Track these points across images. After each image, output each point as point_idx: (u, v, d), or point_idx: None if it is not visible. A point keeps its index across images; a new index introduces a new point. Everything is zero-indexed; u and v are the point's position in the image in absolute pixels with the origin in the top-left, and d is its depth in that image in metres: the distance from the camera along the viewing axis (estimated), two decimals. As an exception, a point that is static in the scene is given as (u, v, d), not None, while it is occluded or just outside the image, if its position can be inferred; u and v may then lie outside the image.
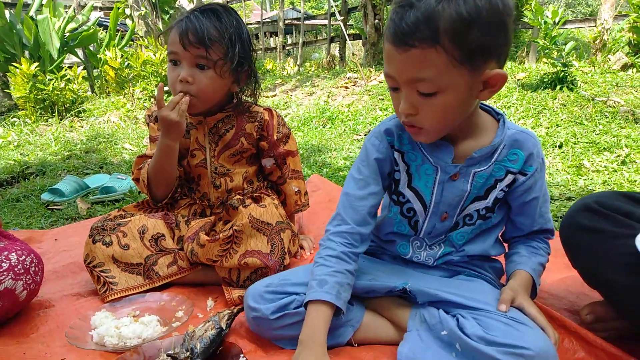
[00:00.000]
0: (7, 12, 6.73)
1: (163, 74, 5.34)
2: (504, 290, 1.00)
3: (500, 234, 1.15)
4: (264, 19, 11.71)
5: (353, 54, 6.20)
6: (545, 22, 3.56)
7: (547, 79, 3.62)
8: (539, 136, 2.82)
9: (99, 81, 7.00)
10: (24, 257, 1.15)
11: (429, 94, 0.87)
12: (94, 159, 2.98)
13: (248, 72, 1.42)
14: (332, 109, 4.06)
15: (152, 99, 5.39)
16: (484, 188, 1.04)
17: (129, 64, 5.67)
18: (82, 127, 4.19)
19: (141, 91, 5.43)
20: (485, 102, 1.04)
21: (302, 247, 1.61)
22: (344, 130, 3.51)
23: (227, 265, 1.29)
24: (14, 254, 1.14)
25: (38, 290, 1.22)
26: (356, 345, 1.07)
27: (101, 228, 1.38)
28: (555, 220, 1.78)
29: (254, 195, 1.51)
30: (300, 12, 16.07)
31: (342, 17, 6.42)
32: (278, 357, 1.04)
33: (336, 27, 7.67)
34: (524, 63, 4.65)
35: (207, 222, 1.43)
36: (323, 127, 3.69)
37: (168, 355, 0.99)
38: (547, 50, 3.60)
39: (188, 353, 1.00)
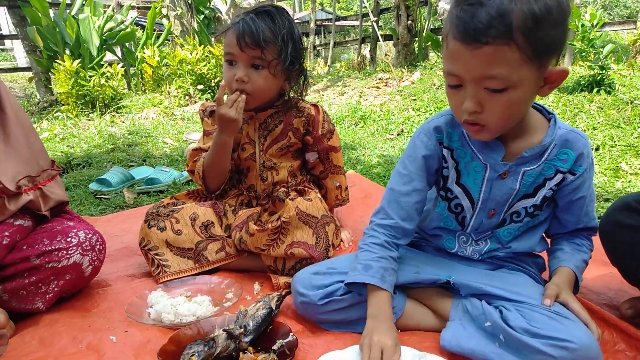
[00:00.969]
0: (51, 12, 7.02)
1: (199, 72, 5.49)
2: (548, 286, 1.02)
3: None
4: (294, 20, 11.80)
5: (386, 55, 6.23)
6: (582, 25, 3.53)
7: (583, 82, 3.58)
8: (575, 139, 2.81)
9: (135, 78, 7.22)
10: (90, 235, 1.25)
11: (498, 91, 0.87)
12: (136, 152, 3.11)
13: (299, 71, 1.49)
14: (364, 109, 4.11)
15: (187, 97, 5.55)
16: (533, 186, 1.06)
17: (166, 62, 5.84)
18: (123, 122, 4.35)
19: (176, 89, 5.59)
20: (535, 101, 1.06)
21: (341, 240, 1.67)
22: (376, 129, 3.56)
23: (274, 254, 1.36)
24: (82, 231, 1.23)
25: (100, 268, 1.31)
26: (399, 331, 1.12)
27: (156, 214, 1.47)
28: (593, 221, 1.78)
29: (298, 189, 1.57)
30: (329, 13, 16.16)
31: (375, 18, 6.45)
32: (324, 337, 1.10)
33: (365, 28, 7.70)
34: (560, 65, 4.59)
35: (254, 212, 1.50)
36: (355, 126, 3.74)
37: (224, 330, 1.06)
38: (584, 53, 3.56)
39: (242, 329, 1.07)
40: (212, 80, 5.61)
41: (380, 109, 4.03)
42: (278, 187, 1.55)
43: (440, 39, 1.03)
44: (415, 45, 6.11)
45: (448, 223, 1.16)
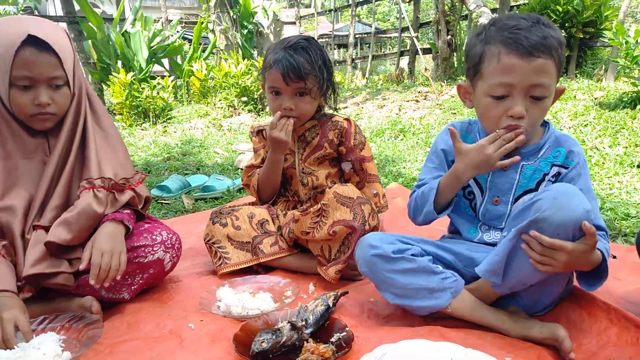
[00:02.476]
0: (105, 26, 7.46)
1: (243, 85, 5.73)
2: None
3: None
4: (330, 31, 12.06)
5: (425, 69, 6.32)
6: (626, 42, 3.54)
7: (626, 99, 3.58)
8: (617, 155, 2.84)
9: (181, 90, 7.57)
10: (171, 235, 1.42)
11: (541, 98, 1.12)
12: (191, 161, 3.33)
13: (331, 88, 1.70)
14: (404, 122, 4.22)
15: (231, 108, 5.80)
16: (535, 181, 1.23)
17: (212, 75, 6.13)
18: (175, 132, 4.61)
19: (220, 100, 5.86)
20: None
21: (378, 221, 1.78)
22: (416, 142, 3.66)
23: (318, 237, 1.50)
24: (164, 231, 1.41)
25: (176, 264, 1.48)
26: (449, 310, 1.20)
27: (219, 212, 1.67)
28: (632, 236, 1.84)
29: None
30: (366, 25, 16.36)
31: (415, 34, 6.56)
32: (377, 332, 1.22)
33: (402, 40, 7.80)
34: (602, 81, 4.58)
35: (300, 208, 1.67)
36: (395, 139, 3.85)
37: (288, 322, 1.20)
38: (627, 70, 3.57)
39: (303, 322, 1.21)
40: (255, 93, 5.85)
41: (419, 122, 4.13)
42: (318, 190, 1.70)
43: (476, 60, 1.20)
44: (455, 59, 6.18)
45: (465, 209, 1.33)
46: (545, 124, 1.27)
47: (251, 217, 1.65)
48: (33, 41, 1.23)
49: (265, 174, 1.70)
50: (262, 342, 1.13)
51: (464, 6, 5.70)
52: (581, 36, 4.94)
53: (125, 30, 7.66)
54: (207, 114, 5.61)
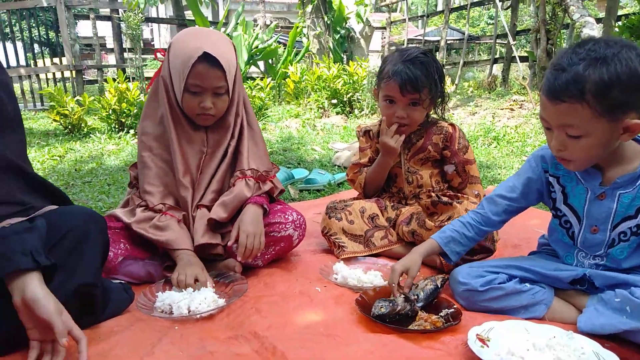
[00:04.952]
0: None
1: (334, 88, 5.99)
2: None
3: None
4: (416, 36, 12.06)
5: (523, 78, 6.21)
6: None
7: None
8: None
9: (274, 91, 8.02)
10: (299, 216, 1.66)
11: (576, 137, 1.13)
12: (292, 156, 3.62)
13: (441, 98, 1.82)
14: (498, 129, 4.22)
15: (321, 110, 6.08)
16: (634, 208, 1.22)
17: (305, 77, 6.46)
18: (274, 130, 4.96)
19: (310, 102, 6.17)
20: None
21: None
22: (512, 150, 3.67)
23: None
24: (294, 213, 1.65)
25: (301, 241, 1.71)
26: (546, 320, 1.32)
27: (334, 208, 1.85)
28: None
29: (447, 194, 1.84)
30: (454, 30, 16.10)
31: (514, 42, 6.46)
32: (482, 314, 1.36)
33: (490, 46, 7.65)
34: None
35: (418, 210, 1.81)
36: (489, 146, 3.88)
37: (403, 294, 1.37)
38: None
39: (415, 297, 1.38)
40: (345, 96, 6.08)
41: (515, 131, 4.12)
42: (423, 189, 1.86)
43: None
44: (552, 68, 6.00)
45: (562, 236, 1.38)
46: None
47: (362, 212, 1.83)
48: (206, 57, 1.47)
49: (374, 174, 1.89)
50: (381, 307, 1.32)
51: (566, 15, 5.53)
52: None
53: (228, 34, 8.27)
54: (298, 115, 5.94)
